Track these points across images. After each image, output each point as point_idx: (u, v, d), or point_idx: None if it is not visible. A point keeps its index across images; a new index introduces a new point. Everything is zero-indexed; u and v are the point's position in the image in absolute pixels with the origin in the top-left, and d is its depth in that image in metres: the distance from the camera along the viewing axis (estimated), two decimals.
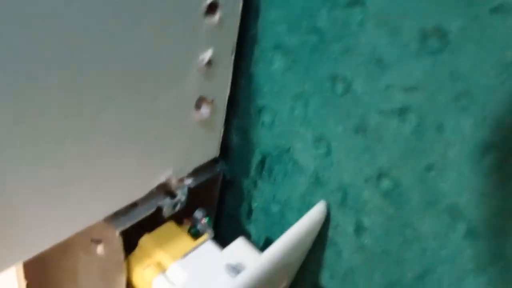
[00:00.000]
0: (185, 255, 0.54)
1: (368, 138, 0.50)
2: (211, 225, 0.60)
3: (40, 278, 0.64)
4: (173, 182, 0.50)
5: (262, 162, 0.61)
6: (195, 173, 0.55)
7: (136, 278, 0.54)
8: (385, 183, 0.51)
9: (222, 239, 0.69)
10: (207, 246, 0.57)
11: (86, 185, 0.43)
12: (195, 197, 0.56)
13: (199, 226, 0.58)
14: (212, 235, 0.58)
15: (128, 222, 0.49)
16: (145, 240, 0.55)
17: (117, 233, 0.48)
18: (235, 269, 0.53)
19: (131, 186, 0.48)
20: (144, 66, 0.41)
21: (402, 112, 0.46)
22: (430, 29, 0.41)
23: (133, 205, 0.49)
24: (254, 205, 0.65)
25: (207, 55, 0.46)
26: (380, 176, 0.51)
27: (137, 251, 0.54)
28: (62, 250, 0.56)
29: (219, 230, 0.70)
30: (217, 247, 0.57)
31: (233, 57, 0.51)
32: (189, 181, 0.54)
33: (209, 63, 0.46)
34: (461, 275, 0.49)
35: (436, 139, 0.45)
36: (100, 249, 0.51)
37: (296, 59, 0.51)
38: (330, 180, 0.55)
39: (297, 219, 0.61)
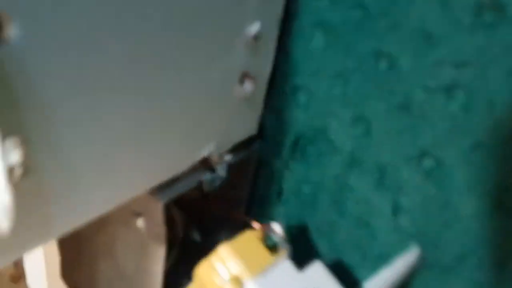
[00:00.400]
0: (263, 272, 0.52)
1: (411, 116, 0.49)
2: (289, 240, 0.57)
3: (74, 254, 0.64)
4: (214, 157, 0.50)
5: (296, 143, 0.60)
6: (233, 150, 0.55)
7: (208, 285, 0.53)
8: (427, 163, 0.50)
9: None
10: (285, 266, 0.54)
11: (135, 154, 0.43)
12: (230, 177, 0.55)
13: (275, 238, 0.56)
14: (290, 252, 0.56)
15: (171, 195, 0.49)
16: (224, 248, 0.52)
17: (160, 205, 0.48)
18: None
19: (177, 159, 0.48)
20: (194, 35, 0.41)
21: (450, 88, 0.45)
22: (486, 1, 0.40)
23: (175, 180, 0.49)
24: (285, 186, 0.65)
25: (254, 28, 0.46)
26: (422, 155, 0.50)
27: (212, 257, 0.52)
28: (99, 225, 0.56)
29: (248, 212, 0.69)
30: (294, 268, 0.54)
31: (277, 32, 0.50)
32: (228, 157, 0.53)
33: (256, 37, 0.46)
34: (505, 258, 0.48)
35: (485, 117, 0.44)
36: (140, 222, 0.51)
37: (338, 36, 0.50)
38: (367, 160, 0.54)
39: (328, 201, 0.61)
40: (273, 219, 0.68)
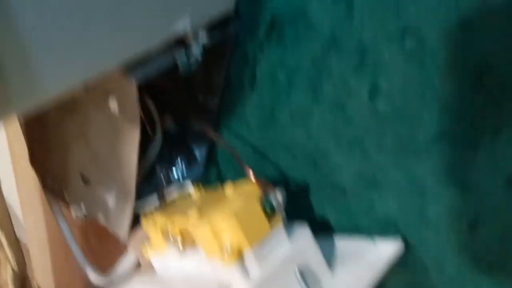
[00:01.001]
0: (261, 243, 0.53)
1: None
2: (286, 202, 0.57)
3: (43, 138, 0.62)
4: (189, 35, 0.47)
5: (272, 24, 0.58)
6: (209, 31, 0.52)
7: (208, 244, 0.53)
8: (410, 42, 0.48)
9: (225, 110, 0.68)
10: (280, 236, 0.55)
11: (103, 22, 0.40)
12: (206, 61, 0.53)
13: (275, 204, 0.54)
14: (285, 216, 0.56)
15: (144, 74, 0.47)
16: (227, 218, 0.52)
17: (133, 84, 0.46)
18: (305, 279, 0.53)
19: (148, 30, 0.45)
20: None
21: None
22: None
23: (149, 60, 0.47)
24: (259, 72, 0.63)
25: None
26: (404, 33, 0.48)
27: (216, 223, 0.52)
28: (70, 108, 0.54)
29: (221, 100, 0.67)
30: (287, 237, 0.55)
31: None
32: (204, 39, 0.50)
33: None
34: (479, 136, 0.49)
35: None
36: (113, 104, 0.49)
37: None
38: (348, 42, 0.53)
39: (304, 86, 0.60)
40: (245, 107, 0.67)
